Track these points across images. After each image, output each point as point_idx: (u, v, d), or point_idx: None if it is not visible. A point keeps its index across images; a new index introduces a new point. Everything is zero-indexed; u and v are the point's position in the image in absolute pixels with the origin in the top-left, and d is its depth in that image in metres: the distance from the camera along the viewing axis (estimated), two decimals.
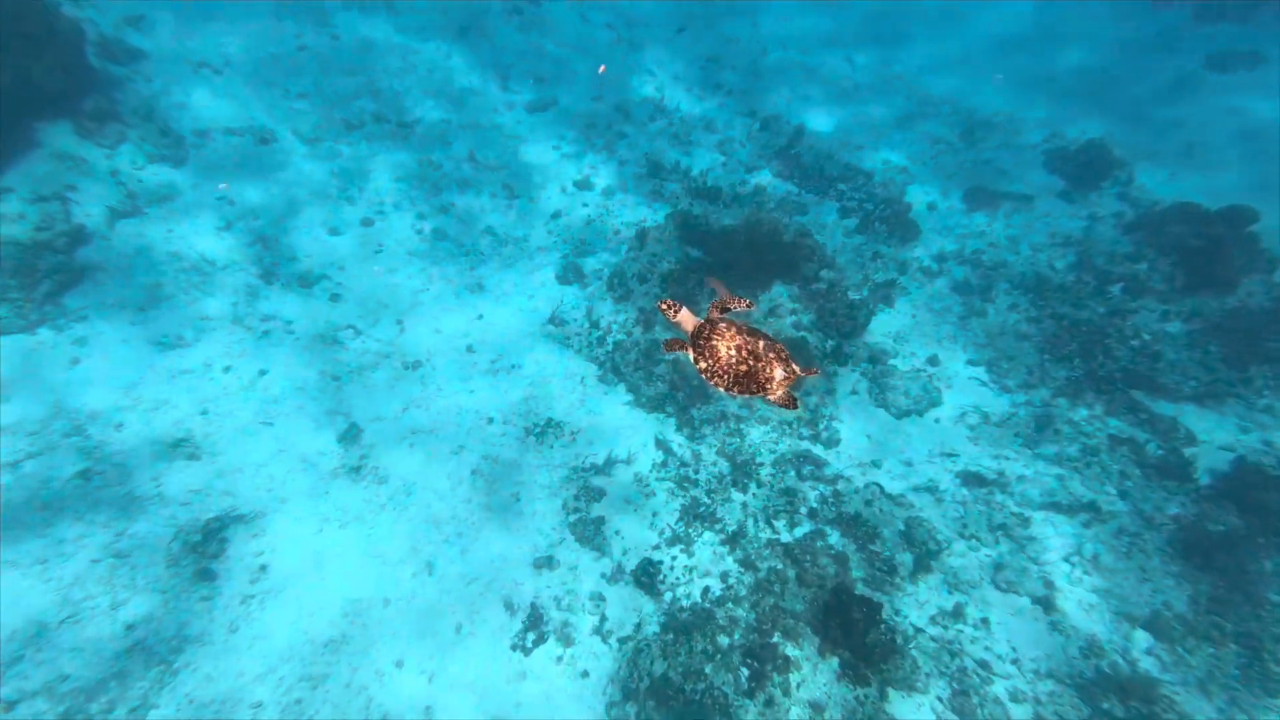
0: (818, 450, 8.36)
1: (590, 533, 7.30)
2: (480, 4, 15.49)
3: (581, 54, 14.89)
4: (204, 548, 5.86)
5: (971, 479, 8.05)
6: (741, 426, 8.58)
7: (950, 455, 8.34)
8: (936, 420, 8.74)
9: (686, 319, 3.86)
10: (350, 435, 7.42)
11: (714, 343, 3.65)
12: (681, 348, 3.86)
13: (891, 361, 9.29)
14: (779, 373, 3.64)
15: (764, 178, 12.03)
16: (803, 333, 9.58)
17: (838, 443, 8.46)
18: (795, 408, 3.71)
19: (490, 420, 8.19)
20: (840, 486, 7.93)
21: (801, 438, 8.54)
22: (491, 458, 7.83)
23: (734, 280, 9.83)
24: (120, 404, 6.74)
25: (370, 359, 8.33)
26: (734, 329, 3.68)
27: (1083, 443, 8.34)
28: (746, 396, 3.65)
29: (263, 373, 7.61)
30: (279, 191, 9.87)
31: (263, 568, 6.04)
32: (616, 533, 7.39)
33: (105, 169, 8.83)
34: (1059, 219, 11.27)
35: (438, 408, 8.16)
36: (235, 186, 9.52)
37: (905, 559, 7.33)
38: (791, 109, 13.75)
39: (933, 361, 9.34)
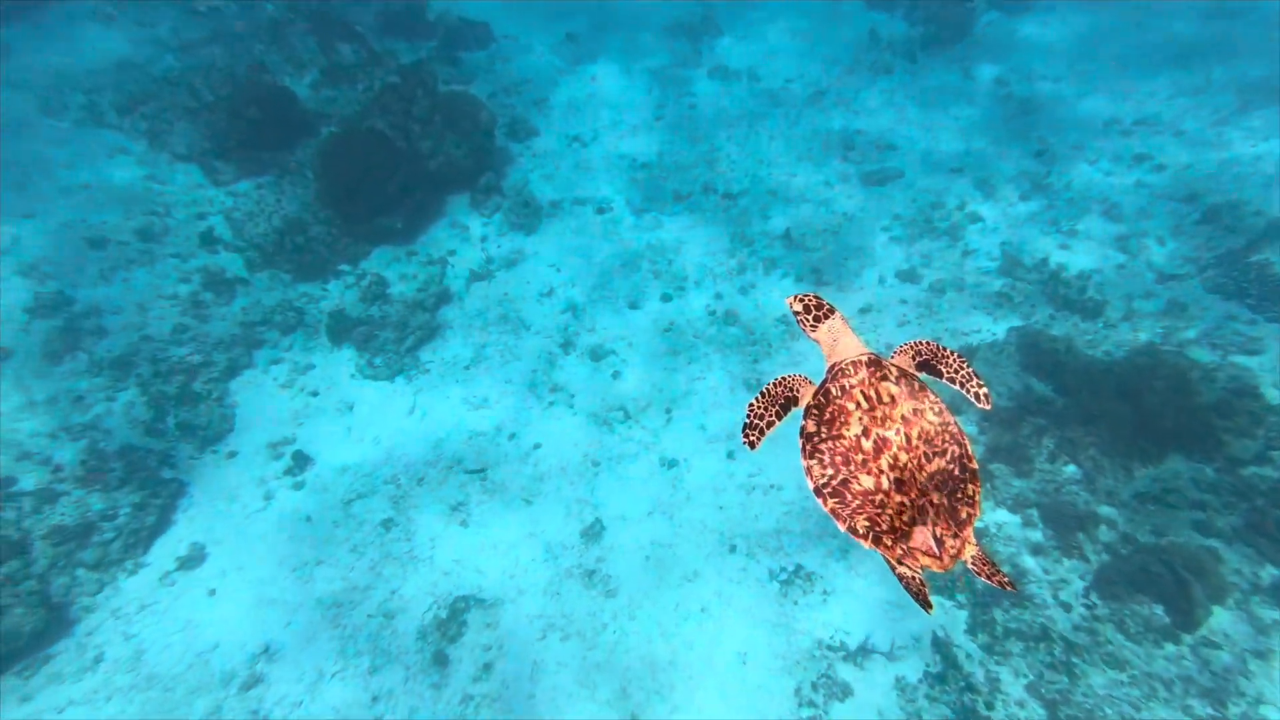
0: None
1: None
2: (842, 68, 14.64)
3: (953, 119, 12.79)
4: (446, 627, 6.34)
5: None
6: (1075, 661, 6.01)
7: None
8: None
9: (842, 338, 2.14)
10: (593, 532, 7.38)
11: (845, 403, 1.97)
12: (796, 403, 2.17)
13: None
14: (948, 537, 1.82)
15: (1187, 292, 8.42)
16: (1212, 540, 6.42)
17: None
18: (929, 610, 1.88)
19: (733, 549, 7.31)
20: None
21: (1190, 713, 5.59)
22: (725, 598, 6.95)
23: (1100, 441, 7.12)
24: (428, 458, 7.89)
25: (632, 448, 8.23)
26: (922, 402, 1.94)
27: None
28: (847, 533, 1.93)
29: (537, 446, 8.11)
30: (600, 261, 10.60)
31: (487, 667, 6.26)
32: None
33: (478, 236, 10.66)
34: None
35: (682, 519, 7.61)
36: (564, 256, 10.53)
37: None
38: (1269, 197, 9.40)
39: None
